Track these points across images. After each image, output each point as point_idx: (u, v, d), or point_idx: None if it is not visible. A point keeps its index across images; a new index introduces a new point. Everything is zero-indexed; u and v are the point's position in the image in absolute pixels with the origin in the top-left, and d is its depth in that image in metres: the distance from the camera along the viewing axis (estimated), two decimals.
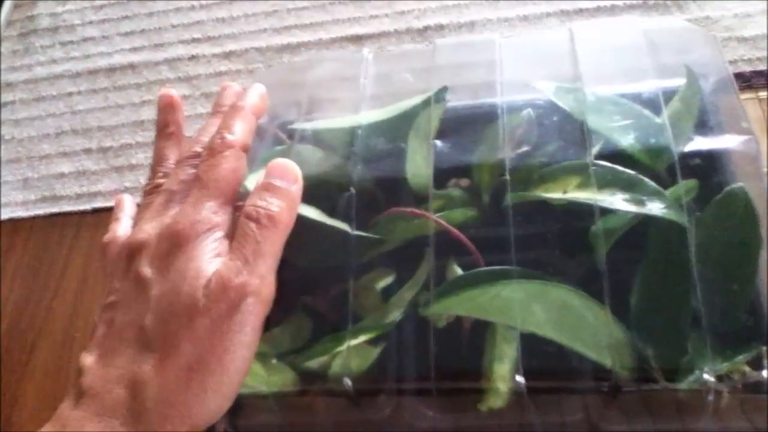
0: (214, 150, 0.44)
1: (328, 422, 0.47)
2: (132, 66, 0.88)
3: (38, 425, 0.66)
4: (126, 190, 0.78)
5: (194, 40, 0.88)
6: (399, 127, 0.52)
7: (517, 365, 0.42)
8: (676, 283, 0.43)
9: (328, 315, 0.48)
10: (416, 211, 0.48)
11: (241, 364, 0.38)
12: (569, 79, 0.53)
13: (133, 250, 0.41)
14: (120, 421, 0.35)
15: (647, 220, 0.44)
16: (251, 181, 0.53)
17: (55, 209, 0.79)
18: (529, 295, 0.43)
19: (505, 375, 0.42)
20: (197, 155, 0.45)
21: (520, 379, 0.41)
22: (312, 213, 0.49)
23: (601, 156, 0.47)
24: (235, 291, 0.38)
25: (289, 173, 0.44)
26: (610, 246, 0.44)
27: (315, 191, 0.51)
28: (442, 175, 0.50)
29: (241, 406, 0.47)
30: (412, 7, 0.81)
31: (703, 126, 0.48)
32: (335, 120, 0.54)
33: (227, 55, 0.86)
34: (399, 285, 0.47)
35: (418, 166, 0.50)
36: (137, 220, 0.45)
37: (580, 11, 0.76)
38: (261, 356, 0.47)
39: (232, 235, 0.42)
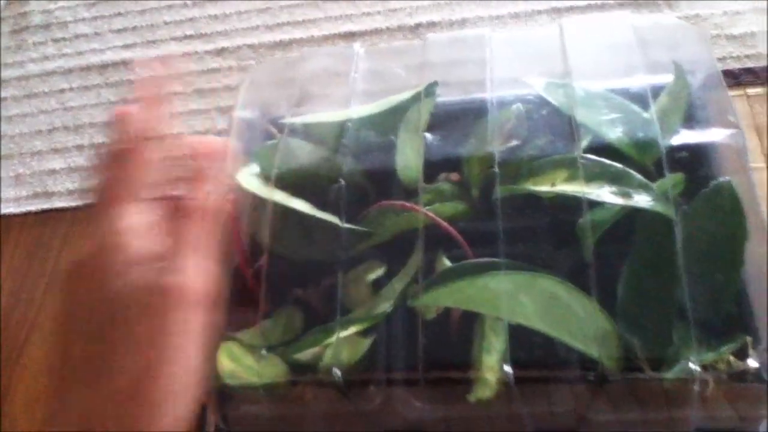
0: None
1: (319, 413, 0.48)
2: (124, 63, 0.88)
3: (30, 418, 0.66)
4: None
5: (187, 37, 0.88)
6: (389, 121, 0.53)
7: (506, 356, 0.42)
8: (663, 275, 0.43)
9: (319, 307, 0.49)
10: (406, 204, 0.48)
11: (186, 365, 0.33)
12: (559, 75, 0.54)
13: None
14: None
15: (634, 213, 0.45)
16: (242, 176, 0.53)
17: (47, 205, 0.79)
18: (516, 286, 0.43)
19: (493, 366, 0.42)
20: None
21: (507, 369, 0.41)
22: (302, 206, 0.49)
23: (589, 150, 0.48)
24: (156, 293, 0.33)
25: (207, 152, 0.39)
26: (597, 238, 0.44)
27: (305, 184, 0.51)
28: (433, 169, 0.51)
29: (231, 397, 0.48)
30: (404, 5, 0.82)
31: (690, 120, 0.48)
32: (326, 114, 0.54)
33: (219, 52, 0.86)
34: (389, 277, 0.48)
35: (409, 160, 0.50)
36: None
37: (570, 8, 0.76)
38: (251, 348, 0.47)
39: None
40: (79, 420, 0.31)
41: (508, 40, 0.57)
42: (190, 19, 0.90)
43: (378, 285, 0.47)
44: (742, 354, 0.41)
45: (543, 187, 0.47)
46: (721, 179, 0.45)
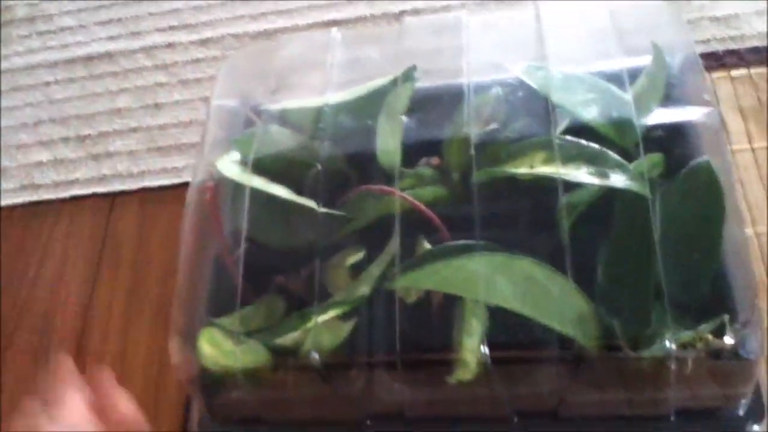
0: None
1: (301, 398, 0.48)
2: (109, 54, 0.88)
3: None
4: (104, 177, 0.78)
5: (171, 28, 0.88)
6: (367, 106, 0.52)
7: (485, 338, 0.42)
8: (640, 256, 0.43)
9: (300, 293, 0.48)
10: (385, 188, 0.48)
11: None
12: (536, 59, 0.53)
13: None
14: None
15: (612, 194, 0.45)
16: (222, 164, 0.53)
17: (33, 198, 0.79)
18: (493, 267, 0.43)
19: (473, 348, 0.42)
20: None
21: (484, 350, 0.41)
22: (280, 191, 0.49)
23: (567, 131, 0.48)
24: None
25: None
26: (574, 219, 0.44)
27: (284, 170, 0.51)
28: (413, 154, 0.51)
29: (214, 384, 0.48)
30: None
31: (668, 101, 0.48)
32: (303, 100, 0.54)
33: (204, 42, 0.85)
34: (369, 262, 0.48)
35: (388, 144, 0.50)
36: None
37: None
38: (233, 335, 0.47)
39: None
40: None
41: (485, 24, 0.56)
42: (174, 10, 0.89)
43: (357, 270, 0.47)
44: (720, 333, 0.41)
45: (521, 170, 0.46)
46: (699, 159, 0.45)
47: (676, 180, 0.45)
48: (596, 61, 0.53)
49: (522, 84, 0.52)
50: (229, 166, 0.52)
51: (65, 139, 0.83)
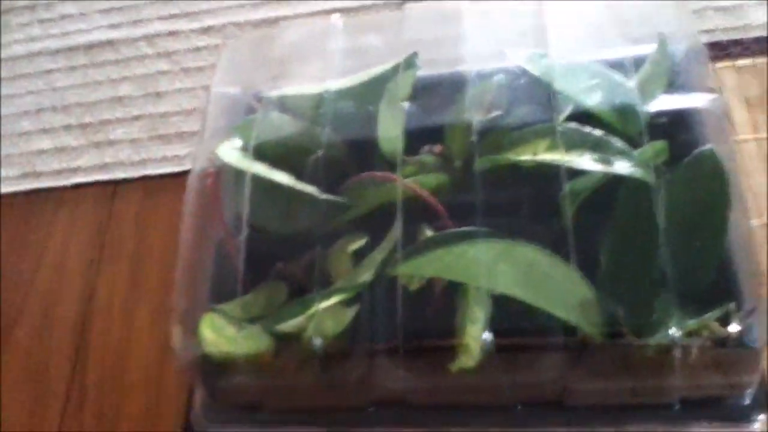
0: None
1: (302, 385, 0.48)
2: (110, 42, 0.87)
3: (18, 400, 0.66)
4: (106, 165, 0.78)
5: (172, 16, 0.87)
6: (369, 92, 0.52)
7: (487, 326, 0.42)
8: (644, 243, 0.43)
9: (301, 280, 0.48)
10: (387, 174, 0.48)
11: None
12: (539, 47, 0.53)
13: None
14: None
15: (616, 181, 0.45)
16: (223, 150, 0.53)
17: (35, 185, 0.79)
18: (496, 254, 0.43)
19: (476, 335, 0.42)
20: None
21: (487, 335, 0.41)
22: (281, 178, 0.49)
23: (570, 119, 0.47)
24: None
25: None
26: (577, 206, 0.44)
27: (285, 157, 0.51)
28: (415, 142, 0.50)
29: (216, 370, 0.48)
30: None
31: (672, 87, 0.48)
32: (304, 87, 0.54)
33: (206, 31, 0.85)
34: (371, 249, 0.47)
35: (390, 131, 0.50)
36: None
37: None
38: (234, 321, 0.47)
39: None
40: None
41: (487, 13, 0.56)
42: None
43: (359, 256, 0.47)
44: (725, 321, 0.40)
45: (524, 157, 0.46)
46: (703, 147, 0.45)
47: (680, 167, 0.44)
48: (600, 49, 0.53)
49: (524, 72, 0.52)
50: (230, 152, 0.52)
51: (67, 127, 0.83)
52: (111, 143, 0.80)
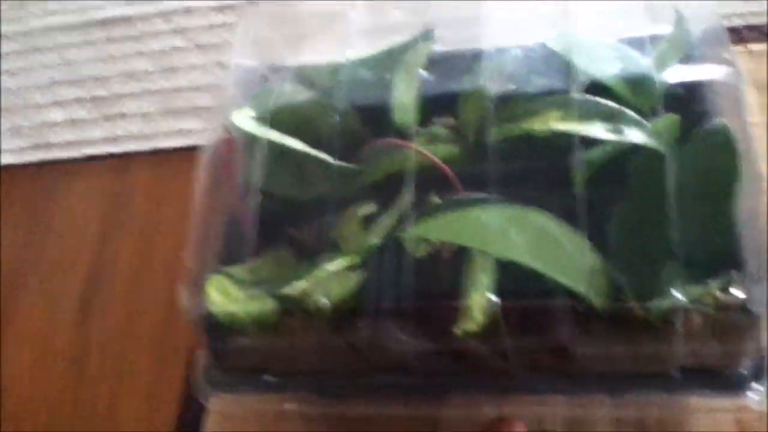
0: None
1: (307, 348, 0.48)
2: (126, 18, 0.88)
3: (22, 363, 0.66)
4: (117, 138, 0.78)
5: None
6: (385, 63, 0.52)
7: (494, 290, 0.42)
8: (655, 213, 0.43)
9: (311, 246, 0.49)
10: (399, 141, 0.48)
11: None
12: (558, 22, 0.53)
13: None
14: None
15: (628, 152, 0.45)
16: (238, 117, 0.53)
17: (47, 156, 0.79)
18: (506, 219, 0.43)
19: (481, 300, 0.42)
20: None
21: (494, 298, 0.41)
22: (295, 144, 0.49)
23: (587, 92, 0.47)
24: None
25: None
26: (589, 176, 0.44)
27: (299, 124, 0.51)
28: (428, 113, 0.50)
29: (220, 332, 0.48)
30: None
31: (688, 61, 0.48)
32: (322, 57, 0.54)
33: (221, 9, 0.85)
34: (381, 216, 0.47)
35: (404, 101, 0.50)
36: None
37: None
38: (241, 283, 0.47)
39: None
40: None
41: None
42: None
43: (369, 222, 0.47)
44: (729, 290, 0.40)
45: (537, 125, 0.46)
46: (716, 122, 0.45)
47: (692, 139, 0.45)
48: (619, 30, 0.53)
49: (542, 47, 0.52)
50: (245, 119, 0.52)
51: (80, 100, 0.83)
52: (123, 117, 0.80)
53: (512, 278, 0.43)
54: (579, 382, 0.46)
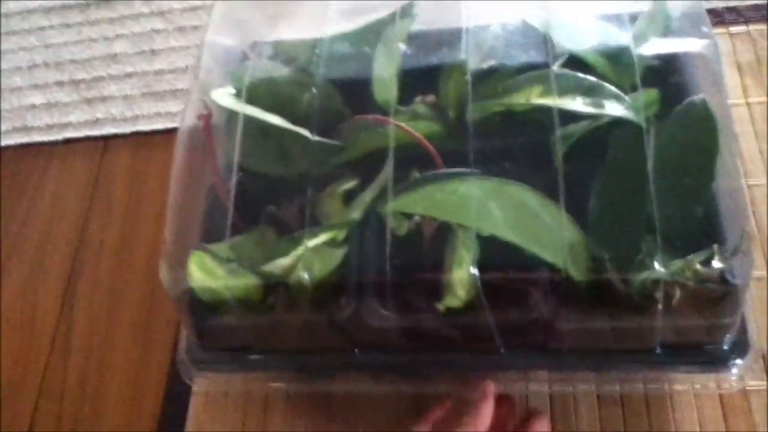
0: None
1: (290, 325, 0.48)
2: (106, 1, 0.87)
3: (5, 344, 0.66)
4: (97, 121, 0.77)
5: None
6: (364, 38, 0.52)
7: (475, 266, 0.42)
8: (634, 186, 0.43)
9: (292, 224, 0.48)
10: (380, 117, 0.48)
11: None
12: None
13: None
14: None
15: (607, 128, 0.45)
16: (217, 94, 0.53)
17: (26, 139, 0.78)
18: (486, 192, 0.43)
19: (463, 276, 0.42)
20: None
21: (475, 271, 0.41)
22: (274, 119, 0.49)
23: (566, 67, 0.48)
24: None
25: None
26: (568, 149, 0.44)
27: (278, 100, 0.51)
28: (408, 90, 0.50)
29: (203, 309, 0.47)
30: None
31: (667, 35, 0.48)
32: (300, 32, 0.54)
33: None
34: (362, 192, 0.47)
35: (384, 71, 0.50)
36: None
37: None
38: (224, 261, 0.47)
39: None
40: None
41: None
42: None
43: (350, 199, 0.47)
44: (709, 263, 0.41)
45: (517, 101, 0.46)
46: (695, 97, 0.45)
47: (671, 114, 0.45)
48: (598, 6, 0.53)
49: (522, 24, 0.52)
50: (224, 96, 0.52)
51: (59, 83, 0.82)
52: (103, 99, 0.80)
53: (493, 254, 0.43)
54: (560, 359, 0.46)
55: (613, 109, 0.43)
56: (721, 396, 0.53)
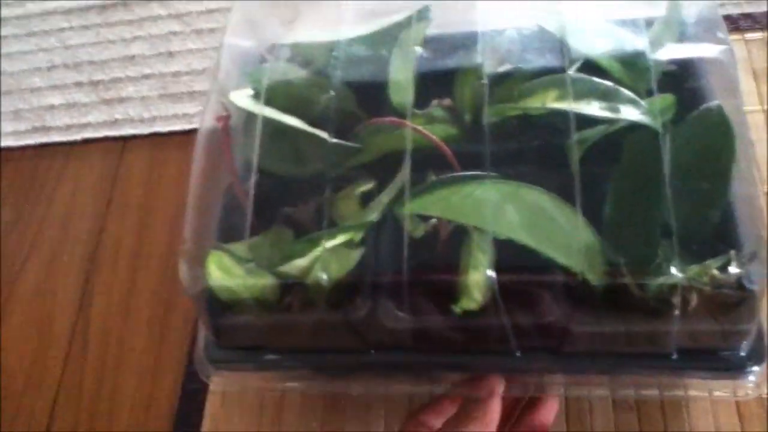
0: None
1: (306, 326, 0.48)
2: (124, 3, 0.88)
3: (23, 342, 0.67)
4: (116, 121, 0.78)
5: None
6: (381, 41, 0.53)
7: (491, 269, 0.42)
8: (650, 191, 0.44)
9: (309, 225, 0.49)
10: (396, 119, 0.48)
11: None
12: (553, 5, 0.53)
13: None
14: None
15: (623, 132, 0.45)
16: (235, 95, 0.53)
17: (44, 139, 0.79)
18: (502, 195, 0.43)
19: (479, 279, 0.43)
20: None
21: (491, 274, 0.41)
22: (292, 121, 0.49)
23: (580, 72, 0.48)
24: None
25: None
26: (585, 154, 0.44)
27: (296, 102, 0.51)
28: (424, 95, 0.51)
29: (220, 308, 0.48)
30: None
31: (682, 41, 0.48)
32: (317, 35, 0.54)
33: None
34: (378, 194, 0.48)
35: (400, 75, 0.50)
36: None
37: None
38: (241, 260, 0.47)
39: None
40: None
41: None
42: None
43: (367, 200, 0.48)
44: (726, 268, 0.41)
45: (532, 105, 0.47)
46: (711, 103, 0.45)
47: (687, 119, 0.45)
48: (614, 12, 0.53)
49: (537, 28, 0.52)
50: (242, 97, 0.52)
51: (78, 84, 0.83)
52: (121, 101, 0.81)
53: (509, 257, 0.43)
54: (575, 362, 0.46)
55: (630, 113, 0.44)
56: (737, 403, 0.52)
